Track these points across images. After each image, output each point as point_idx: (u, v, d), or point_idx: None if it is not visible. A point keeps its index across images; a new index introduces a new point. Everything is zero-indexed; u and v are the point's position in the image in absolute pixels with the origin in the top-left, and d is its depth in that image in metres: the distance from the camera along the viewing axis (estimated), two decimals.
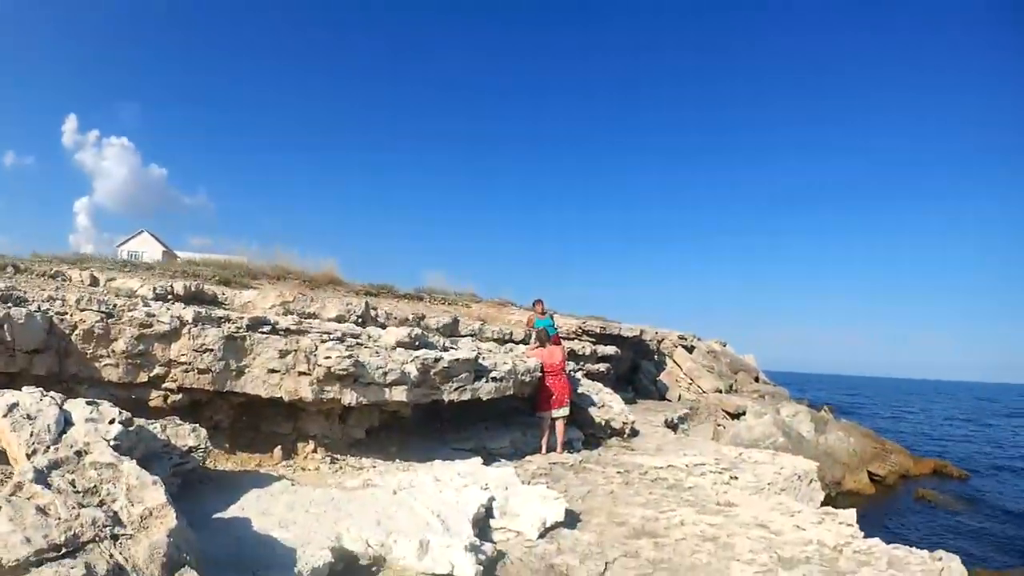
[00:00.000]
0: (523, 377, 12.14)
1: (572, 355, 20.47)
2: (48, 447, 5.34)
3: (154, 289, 10.87)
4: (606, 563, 7.43)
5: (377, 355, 9.71)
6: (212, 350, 8.85)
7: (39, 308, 8.50)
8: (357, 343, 10.01)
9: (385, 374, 9.45)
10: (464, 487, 8.26)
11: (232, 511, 6.81)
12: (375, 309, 13.58)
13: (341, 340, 9.75)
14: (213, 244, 17.61)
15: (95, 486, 4.78)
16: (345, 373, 9.02)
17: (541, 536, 7.84)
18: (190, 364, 8.81)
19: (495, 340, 16.25)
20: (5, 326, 7.84)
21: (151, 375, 8.81)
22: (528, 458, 12.23)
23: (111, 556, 4.02)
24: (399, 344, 10.43)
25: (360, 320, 11.85)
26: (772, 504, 10.27)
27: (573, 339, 22.08)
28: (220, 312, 9.57)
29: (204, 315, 9.14)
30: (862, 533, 9.02)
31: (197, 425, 8.08)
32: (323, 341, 9.40)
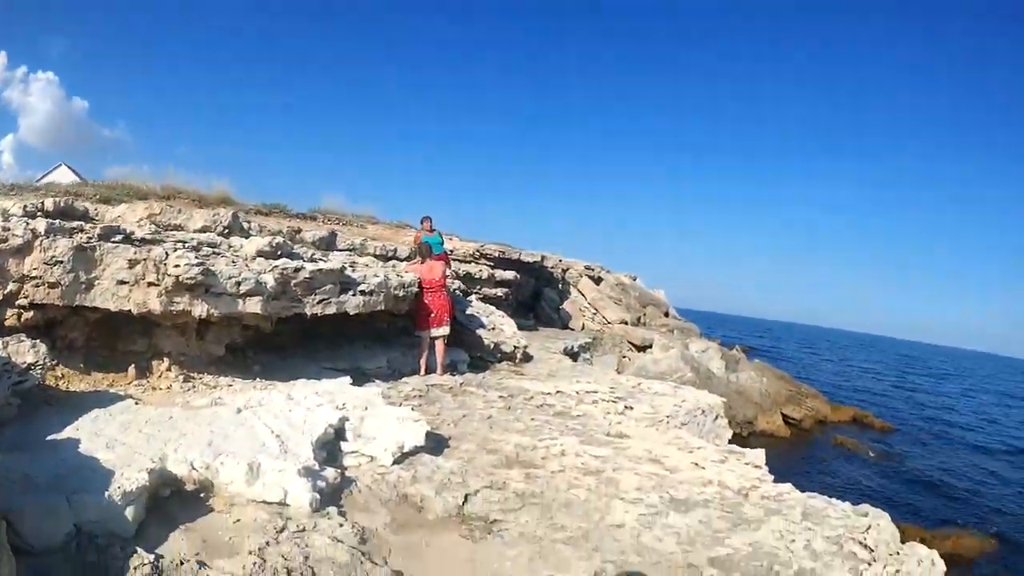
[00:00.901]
0: (396, 291, 12.04)
1: (469, 278, 20.74)
2: None
3: (24, 207, 10.47)
4: (466, 495, 7.12)
5: (233, 264, 9.58)
6: (62, 262, 8.63)
7: None
8: (214, 252, 9.89)
9: (238, 284, 9.24)
10: (318, 407, 8.13)
11: (67, 432, 6.68)
12: (248, 222, 13.31)
13: (196, 249, 9.65)
14: (129, 174, 17.26)
15: None
16: (193, 282, 8.81)
17: (397, 462, 7.59)
18: (41, 278, 8.64)
19: (377, 256, 16.05)
20: None
21: (5, 292, 8.68)
22: (404, 379, 12.12)
23: None
24: (259, 254, 10.25)
25: (226, 231, 11.55)
26: (669, 438, 10.02)
27: (470, 262, 22.01)
28: (75, 224, 9.36)
29: (57, 226, 8.93)
30: (771, 476, 8.66)
31: (37, 341, 8.16)
32: (175, 250, 9.22)
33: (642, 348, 23.76)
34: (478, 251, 22.43)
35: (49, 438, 6.50)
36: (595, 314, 26.05)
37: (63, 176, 25.37)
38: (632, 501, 7.25)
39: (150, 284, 8.96)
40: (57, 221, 9.18)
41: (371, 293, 11.35)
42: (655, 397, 12.71)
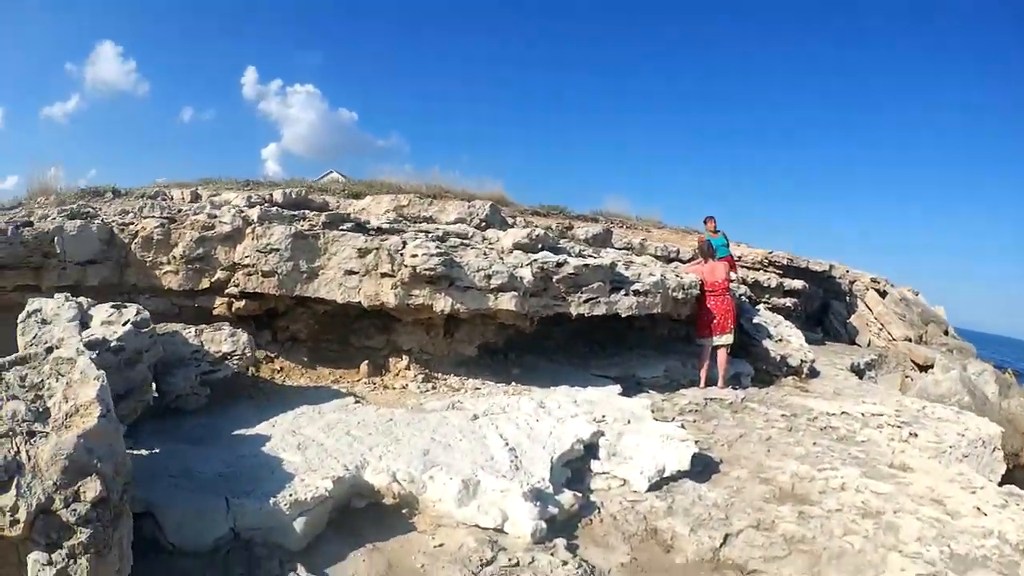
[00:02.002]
0: (675, 293, 10.43)
1: (756, 286, 19.21)
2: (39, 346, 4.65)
3: (249, 198, 9.99)
4: (726, 535, 5.83)
5: (484, 256, 8.38)
6: (278, 250, 7.90)
7: (103, 221, 8.17)
8: (463, 243, 8.79)
9: (488, 277, 8.02)
10: (572, 418, 6.88)
11: (259, 428, 6.07)
12: (513, 217, 11.95)
13: (442, 239, 8.61)
14: (406, 179, 16.88)
15: (42, 380, 4.13)
16: (433, 274, 7.74)
17: (653, 488, 6.29)
18: (253, 266, 7.97)
19: (658, 256, 14.63)
20: (56, 239, 7.64)
21: (212, 280, 8.12)
22: (682, 391, 10.63)
23: (17, 452, 3.50)
24: (517, 247, 9.05)
25: (483, 224, 10.30)
26: (952, 474, 8.39)
27: (759, 270, 20.54)
28: (295, 212, 8.76)
29: (274, 213, 8.26)
30: None
31: (238, 331, 7.36)
32: (415, 239, 8.20)
33: (924, 368, 21.62)
34: (766, 258, 20.93)
35: (236, 432, 5.96)
36: (880, 329, 24.17)
37: (334, 182, 25.05)
38: (911, 556, 5.94)
39: (384, 275, 7.97)
40: (275, 209, 8.59)
41: (646, 293, 9.78)
42: (939, 423, 10.97)
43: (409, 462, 5.38)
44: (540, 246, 9.22)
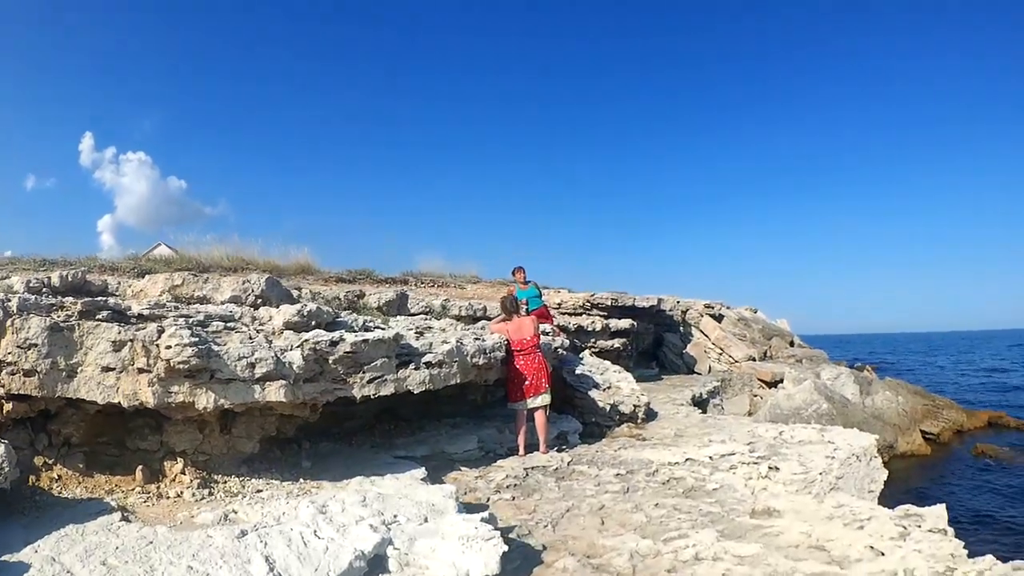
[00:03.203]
0: (475, 359, 9.74)
1: (581, 332, 18.87)
2: None
3: (27, 283, 9.04)
4: None
5: (250, 341, 7.57)
6: (36, 345, 6.86)
7: None
8: (227, 327, 7.91)
9: (252, 366, 7.18)
10: (357, 523, 6.01)
11: (23, 553, 5.32)
12: (299, 289, 11.23)
13: (203, 324, 7.73)
14: (232, 252, 16.36)
15: None
16: (188, 367, 6.85)
17: None
18: (16, 364, 6.91)
19: (462, 318, 13.97)
20: None
21: None
22: (499, 463, 9.93)
23: None
24: (287, 326, 8.21)
25: (259, 301, 9.35)
26: (829, 508, 7.55)
27: (582, 314, 20.25)
28: (53, 300, 7.61)
29: (32, 303, 7.23)
30: (963, 548, 6.12)
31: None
32: (174, 327, 7.19)
33: (772, 384, 22.34)
34: (588, 301, 20.69)
35: (3, 558, 5.18)
36: (720, 354, 24.78)
37: (162, 255, 24.25)
38: None
39: (141, 371, 7.04)
40: (33, 297, 7.43)
41: (440, 364, 9.05)
42: (802, 448, 10.40)
43: None
44: (313, 323, 8.40)
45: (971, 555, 5.89)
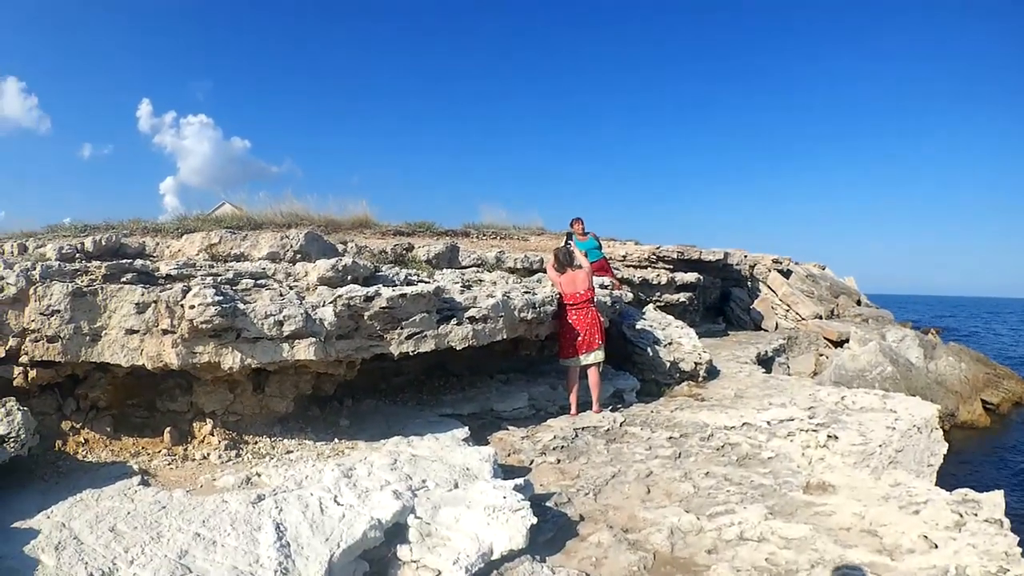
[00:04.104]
0: (523, 314, 9.36)
1: (645, 285, 18.31)
2: None
3: (60, 249, 8.96)
4: None
5: (281, 298, 7.29)
6: (59, 311, 6.71)
7: None
8: (257, 285, 7.65)
9: (280, 323, 6.89)
10: (381, 489, 5.72)
11: (37, 519, 5.11)
12: (343, 244, 10.86)
13: (232, 282, 7.54)
14: (286, 208, 16.22)
15: None
16: (211, 326, 6.58)
17: None
18: (39, 331, 6.76)
19: (517, 270, 13.39)
20: None
21: (7, 349, 6.91)
22: (549, 423, 9.51)
23: None
24: (322, 281, 7.94)
25: (298, 256, 8.99)
26: (886, 487, 7.06)
27: (647, 267, 19.70)
28: (78, 265, 7.58)
29: (55, 270, 7.12)
30: (1018, 547, 5.57)
31: (14, 408, 6.23)
32: (198, 286, 7.00)
33: (839, 343, 21.60)
34: (654, 254, 20.16)
35: (14, 525, 5.00)
36: (788, 311, 24.02)
37: (226, 213, 24.14)
38: None
39: (165, 332, 6.82)
40: (57, 264, 7.36)
41: (484, 320, 8.68)
42: (863, 416, 9.84)
43: (157, 570, 4.36)
44: (349, 278, 8.09)
45: (1023, 552, 5.52)
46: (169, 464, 6.79)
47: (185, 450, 7.13)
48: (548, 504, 6.43)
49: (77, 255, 8.84)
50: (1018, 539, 5.76)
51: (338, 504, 5.37)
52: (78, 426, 7.09)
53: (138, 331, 6.82)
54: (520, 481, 6.05)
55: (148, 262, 7.90)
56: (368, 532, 4.94)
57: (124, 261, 7.78)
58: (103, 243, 9.17)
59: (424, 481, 6.02)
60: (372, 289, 7.71)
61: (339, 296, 7.42)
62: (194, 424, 7.43)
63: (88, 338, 6.80)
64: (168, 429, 7.26)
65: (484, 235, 19.53)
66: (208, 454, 7.01)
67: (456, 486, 6.01)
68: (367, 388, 9.40)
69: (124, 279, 7.24)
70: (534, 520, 5.40)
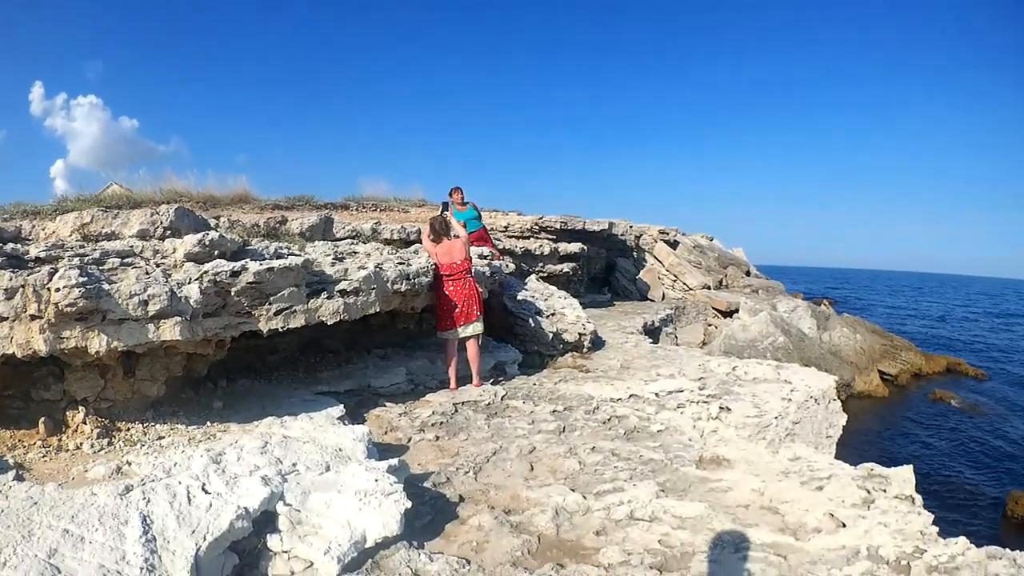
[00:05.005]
0: (397, 286, 9.37)
1: (528, 256, 18.68)
2: None
3: None
4: None
5: (147, 276, 7.20)
6: None
7: None
8: (123, 264, 7.50)
9: (144, 303, 6.83)
10: (250, 474, 5.61)
11: None
12: (218, 218, 10.81)
13: (99, 262, 7.33)
14: (166, 186, 15.96)
15: None
16: (75, 309, 6.49)
17: (349, 568, 4.73)
18: None
19: (394, 242, 13.51)
20: None
21: None
22: (427, 398, 9.60)
23: None
24: (188, 258, 7.84)
25: (168, 232, 8.85)
26: (784, 461, 7.10)
27: (529, 238, 20.06)
28: None
29: None
30: (933, 525, 5.51)
31: None
32: (64, 268, 6.86)
33: (728, 314, 22.38)
34: (536, 224, 20.49)
35: None
36: (675, 281, 24.62)
37: (113, 193, 23.75)
38: None
39: (33, 317, 6.70)
40: None
41: (356, 292, 8.70)
42: (756, 387, 9.91)
43: (27, 571, 4.28)
44: (216, 252, 8.00)
45: (939, 531, 5.43)
46: (44, 457, 6.73)
47: (59, 440, 7.05)
48: (426, 484, 6.41)
49: None
50: (932, 517, 5.70)
51: (206, 493, 5.27)
52: None
53: (7, 318, 6.69)
54: (394, 462, 6.02)
55: (19, 245, 7.77)
56: (235, 522, 4.82)
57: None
58: None
59: (295, 464, 5.93)
60: (239, 264, 7.65)
61: (205, 272, 7.36)
62: (67, 413, 7.34)
63: None
64: (42, 419, 7.18)
65: (364, 207, 19.46)
66: (81, 443, 6.95)
67: (328, 469, 5.98)
68: (242, 368, 9.41)
69: None
70: (408, 504, 5.32)
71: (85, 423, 7.21)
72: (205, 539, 4.63)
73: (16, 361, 7.05)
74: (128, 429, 7.33)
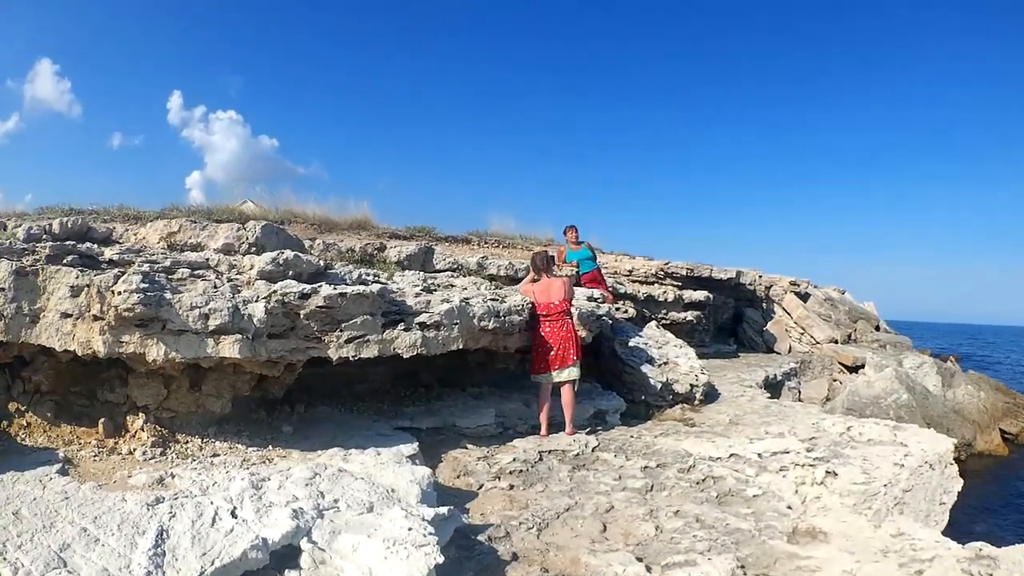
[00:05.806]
0: (484, 323, 9.06)
1: (651, 302, 17.96)
2: None
3: (28, 229, 8.94)
4: None
5: (215, 289, 7.22)
6: (3, 289, 6.75)
7: None
8: (192, 275, 7.60)
9: (205, 317, 6.78)
10: (286, 504, 5.37)
11: None
12: (311, 240, 10.67)
13: (169, 271, 7.48)
14: (283, 206, 16.34)
15: None
16: (132, 314, 6.51)
17: None
18: None
19: (500, 277, 13.19)
20: None
21: None
22: (513, 443, 9.13)
23: None
24: (261, 275, 7.78)
25: (255, 248, 8.92)
26: (885, 537, 6.31)
27: (654, 283, 19.50)
28: (26, 245, 7.66)
29: (5, 248, 7.24)
30: None
31: None
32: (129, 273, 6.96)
33: (854, 369, 21.34)
34: (662, 270, 20.02)
35: None
36: (802, 334, 23.84)
37: (248, 209, 24.26)
38: None
39: (95, 318, 6.81)
40: (8, 243, 7.54)
41: (436, 327, 8.38)
42: (869, 449, 9.05)
43: (36, 558, 4.32)
44: (290, 273, 7.86)
45: None
46: (95, 456, 6.78)
47: (115, 443, 7.10)
48: (480, 537, 5.98)
49: (44, 236, 8.90)
50: None
51: (233, 517, 5.12)
52: (23, 409, 7.14)
53: (72, 315, 6.81)
54: (444, 510, 5.65)
55: (96, 246, 7.97)
56: (249, 552, 4.59)
57: (69, 243, 7.88)
58: (70, 226, 9.24)
59: (336, 501, 5.65)
60: (310, 287, 7.50)
61: (274, 291, 7.26)
62: (128, 417, 7.38)
63: (28, 319, 6.84)
64: (102, 420, 7.26)
65: (487, 243, 19.42)
66: (135, 449, 6.97)
67: (370, 510, 5.61)
68: (326, 394, 9.26)
69: (66, 260, 7.28)
70: (440, 559, 4.79)
71: (143, 430, 7.25)
72: (213, 564, 4.47)
73: (86, 360, 7.17)
74: (186, 442, 7.34)
